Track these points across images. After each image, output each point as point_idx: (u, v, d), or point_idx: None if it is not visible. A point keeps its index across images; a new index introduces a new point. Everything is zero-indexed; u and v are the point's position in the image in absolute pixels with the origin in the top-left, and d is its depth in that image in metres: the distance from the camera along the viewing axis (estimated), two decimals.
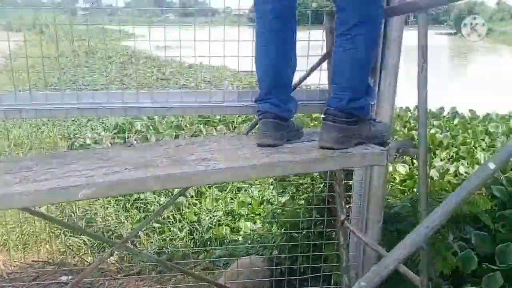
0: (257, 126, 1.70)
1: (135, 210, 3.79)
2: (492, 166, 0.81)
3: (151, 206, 3.81)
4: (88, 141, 5.33)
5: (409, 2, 1.43)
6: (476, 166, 4.20)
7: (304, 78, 1.82)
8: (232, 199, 4.07)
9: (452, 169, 4.35)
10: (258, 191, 4.14)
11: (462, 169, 4.36)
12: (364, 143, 1.54)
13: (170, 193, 3.83)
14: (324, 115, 1.54)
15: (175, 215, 3.64)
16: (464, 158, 4.82)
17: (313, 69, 1.81)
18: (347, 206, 2.05)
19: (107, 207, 3.71)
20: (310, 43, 1.98)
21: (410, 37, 1.61)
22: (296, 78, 1.74)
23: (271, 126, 1.58)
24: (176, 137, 4.59)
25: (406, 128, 5.89)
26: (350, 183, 2.24)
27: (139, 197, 3.87)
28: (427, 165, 1.34)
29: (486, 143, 5.32)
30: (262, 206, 3.87)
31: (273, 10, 1.50)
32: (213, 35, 2.01)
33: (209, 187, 4.04)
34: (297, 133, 1.71)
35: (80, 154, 1.68)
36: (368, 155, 1.45)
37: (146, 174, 1.30)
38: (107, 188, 1.27)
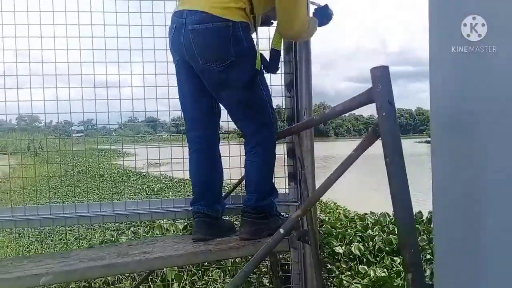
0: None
1: None
2: (282, 231, 1.26)
3: None
4: None
5: (287, 129, 2.02)
6: None
7: (235, 187, 2.32)
8: None
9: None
10: None
11: None
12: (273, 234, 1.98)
13: None
14: (241, 212, 2.02)
15: None
16: None
17: (241, 180, 2.32)
18: None
19: None
20: None
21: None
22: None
23: (202, 224, 2.04)
24: None
25: (385, 233, 6.21)
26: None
27: None
28: (317, 249, 1.77)
29: None
30: None
31: (200, 137, 2.07)
32: None
33: None
34: (229, 229, 2.15)
35: (48, 255, 2.11)
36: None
37: (92, 264, 1.72)
38: (62, 275, 1.69)
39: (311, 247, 1.79)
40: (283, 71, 2.48)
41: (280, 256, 3.13)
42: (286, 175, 2.51)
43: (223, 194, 2.31)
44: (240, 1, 1.84)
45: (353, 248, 4.50)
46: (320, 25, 2.19)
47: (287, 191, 2.51)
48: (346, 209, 8.65)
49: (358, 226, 5.80)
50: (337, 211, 8.12)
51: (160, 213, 2.41)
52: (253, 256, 1.42)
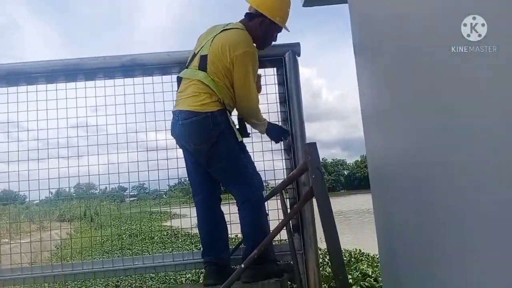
0: None
1: None
2: (243, 265, 1.69)
3: None
4: None
5: (271, 191, 2.51)
6: None
7: (238, 245, 2.80)
8: None
9: None
10: None
11: None
12: (270, 277, 2.41)
13: None
14: (241, 260, 2.48)
15: None
16: None
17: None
18: None
19: None
20: None
21: None
22: None
23: (211, 271, 2.53)
24: None
25: None
26: None
27: None
28: None
29: None
30: None
31: (203, 199, 2.63)
32: None
33: None
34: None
35: None
36: (266, 285, 2.32)
37: None
38: None
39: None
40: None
41: None
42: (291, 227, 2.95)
43: (235, 245, 2.80)
44: (213, 96, 2.48)
45: None
46: (272, 139, 2.79)
47: None
48: None
49: None
50: None
51: (182, 264, 2.91)
52: None
